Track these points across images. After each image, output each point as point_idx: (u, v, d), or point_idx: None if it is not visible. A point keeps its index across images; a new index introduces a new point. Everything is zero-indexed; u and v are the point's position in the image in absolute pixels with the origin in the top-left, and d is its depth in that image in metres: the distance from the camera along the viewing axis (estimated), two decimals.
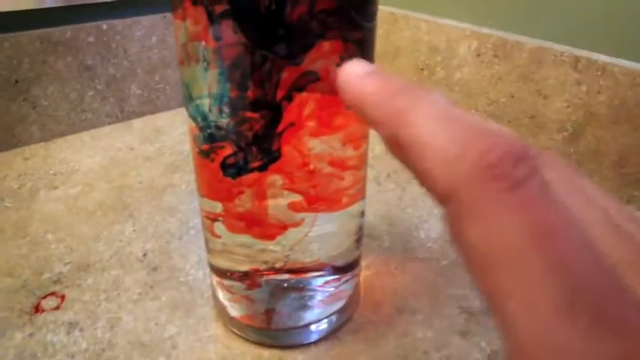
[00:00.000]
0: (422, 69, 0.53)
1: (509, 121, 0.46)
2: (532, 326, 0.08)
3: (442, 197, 0.10)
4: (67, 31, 0.46)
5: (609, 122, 0.38)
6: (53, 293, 0.30)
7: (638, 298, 0.08)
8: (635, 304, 0.08)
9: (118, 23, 0.48)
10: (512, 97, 0.45)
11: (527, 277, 0.08)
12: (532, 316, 0.08)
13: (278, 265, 0.24)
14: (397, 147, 0.11)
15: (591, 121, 0.39)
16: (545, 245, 0.08)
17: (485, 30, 0.46)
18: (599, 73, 0.38)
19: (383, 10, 0.56)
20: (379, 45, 0.58)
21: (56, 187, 0.41)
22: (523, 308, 0.08)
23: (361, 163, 0.24)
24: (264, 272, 0.24)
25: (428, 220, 0.37)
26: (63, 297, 0.30)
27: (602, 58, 0.38)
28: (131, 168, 0.44)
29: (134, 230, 0.36)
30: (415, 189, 0.41)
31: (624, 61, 0.37)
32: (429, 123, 0.10)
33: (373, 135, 0.51)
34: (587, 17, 0.39)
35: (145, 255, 0.33)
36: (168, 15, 0.51)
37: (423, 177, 0.10)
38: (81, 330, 0.27)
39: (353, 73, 0.13)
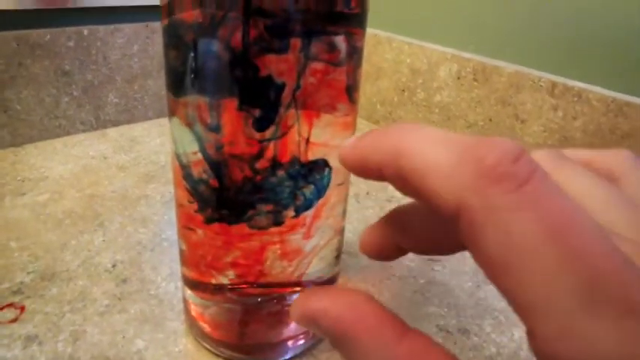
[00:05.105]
0: (403, 90, 0.54)
1: None
2: (557, 323, 0.08)
3: (453, 212, 0.10)
4: (46, 33, 0.45)
5: (584, 147, 0.39)
6: (11, 304, 0.28)
7: None
8: None
9: (100, 29, 0.48)
10: (490, 120, 0.46)
11: (546, 274, 0.08)
12: (555, 313, 0.08)
13: (253, 280, 0.23)
14: (403, 181, 0.11)
15: (567, 145, 0.40)
16: (558, 239, 0.08)
17: (465, 54, 0.47)
18: (575, 99, 0.39)
19: (367, 32, 0.57)
20: None
21: (23, 194, 0.39)
22: (545, 306, 0.08)
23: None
24: (240, 286, 0.24)
25: None
26: (22, 308, 0.28)
27: (578, 84, 0.39)
28: (104, 177, 0.43)
29: (104, 240, 0.34)
30: (394, 207, 0.41)
31: (599, 88, 0.38)
32: (423, 147, 0.11)
33: None
34: (564, 45, 0.41)
35: (114, 266, 0.32)
36: (151, 24, 0.51)
37: (431, 199, 0.10)
38: (40, 344, 0.26)
39: (347, 143, 0.13)
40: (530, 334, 0.09)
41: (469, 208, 0.09)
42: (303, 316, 0.12)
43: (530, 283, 0.08)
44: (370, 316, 0.11)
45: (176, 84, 0.21)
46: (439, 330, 0.28)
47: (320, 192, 0.22)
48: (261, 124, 0.19)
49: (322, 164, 0.21)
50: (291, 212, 0.21)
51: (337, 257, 0.26)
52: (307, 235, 0.22)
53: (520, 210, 0.09)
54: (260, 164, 0.20)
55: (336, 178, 0.22)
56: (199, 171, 0.21)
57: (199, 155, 0.21)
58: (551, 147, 0.41)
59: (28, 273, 0.31)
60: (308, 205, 0.22)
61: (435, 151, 0.10)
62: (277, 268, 0.23)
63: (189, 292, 0.26)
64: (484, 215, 0.09)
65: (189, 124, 0.20)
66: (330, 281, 0.26)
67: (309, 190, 0.21)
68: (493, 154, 0.09)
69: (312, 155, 0.21)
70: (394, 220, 0.15)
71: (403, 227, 0.15)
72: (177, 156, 0.22)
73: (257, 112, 0.19)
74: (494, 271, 0.09)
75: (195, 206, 0.22)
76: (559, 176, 0.11)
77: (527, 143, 0.43)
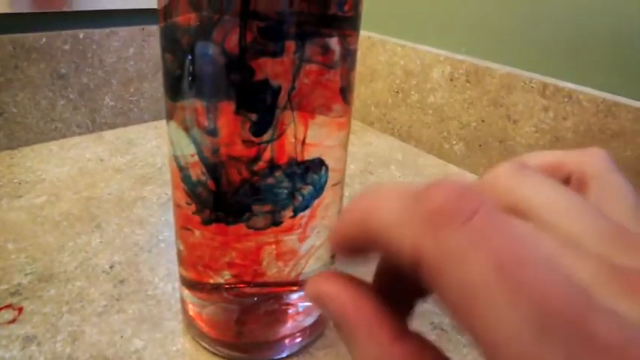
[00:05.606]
0: (397, 92, 0.54)
1: (480, 145, 0.47)
2: (513, 358, 0.08)
3: (414, 262, 0.10)
4: (42, 37, 0.45)
5: (575, 147, 0.40)
6: (9, 305, 0.29)
7: (612, 310, 0.08)
8: (612, 318, 0.08)
9: (96, 32, 0.48)
10: (482, 121, 0.46)
11: (499, 311, 0.08)
12: (511, 348, 0.08)
13: (250, 280, 0.23)
14: (376, 244, 0.11)
15: (558, 145, 0.41)
16: (507, 275, 0.08)
17: (458, 56, 0.48)
18: (565, 99, 0.39)
19: (360, 34, 0.57)
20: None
21: (20, 196, 0.39)
22: (501, 343, 0.08)
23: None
24: (237, 286, 0.24)
25: None
26: (20, 309, 0.28)
27: (569, 85, 0.40)
28: (100, 179, 0.43)
29: (101, 242, 0.35)
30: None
31: (589, 89, 0.39)
32: (382, 207, 0.11)
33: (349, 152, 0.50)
34: (554, 46, 0.42)
35: (111, 267, 0.32)
36: (147, 27, 0.51)
37: (396, 254, 0.10)
38: (38, 344, 0.26)
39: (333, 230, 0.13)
40: None
41: (423, 254, 0.09)
42: (314, 295, 0.12)
43: (486, 321, 0.08)
44: (370, 314, 0.11)
45: (173, 88, 0.21)
46: (434, 328, 0.29)
47: (318, 191, 0.22)
48: (258, 129, 0.20)
49: (319, 163, 0.22)
50: (289, 212, 0.22)
51: (333, 257, 0.27)
52: (303, 236, 0.23)
53: (469, 248, 0.09)
54: (257, 166, 0.20)
55: (331, 178, 0.22)
56: (197, 173, 0.21)
57: (197, 158, 0.21)
58: (543, 147, 0.42)
59: (26, 274, 0.31)
60: (306, 205, 0.22)
61: (391, 207, 0.10)
62: (274, 268, 0.23)
63: (186, 292, 0.26)
64: (437, 259, 0.09)
65: (187, 128, 0.21)
66: None
67: (307, 190, 0.22)
68: (438, 196, 0.09)
69: (308, 156, 0.21)
70: (384, 279, 0.15)
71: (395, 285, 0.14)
72: (175, 158, 0.22)
73: (254, 117, 0.19)
74: (455, 312, 0.09)
75: (193, 207, 0.22)
76: (521, 191, 0.11)
77: (520, 144, 0.44)
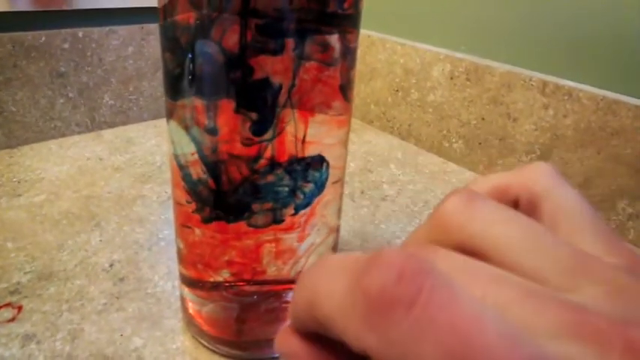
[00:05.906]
0: (397, 90, 0.54)
1: (479, 143, 0.47)
2: None
3: (363, 353, 0.09)
4: (41, 35, 0.45)
5: (575, 145, 0.40)
6: (9, 304, 0.29)
7: None
8: None
9: (95, 31, 0.48)
10: (482, 119, 0.46)
11: None
12: None
13: (250, 278, 0.23)
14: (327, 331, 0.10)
15: (558, 143, 0.41)
16: None
17: (458, 54, 0.48)
18: (565, 97, 0.39)
19: (360, 33, 0.57)
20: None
21: (19, 195, 0.39)
22: None
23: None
24: (237, 284, 0.24)
25: (401, 236, 0.38)
26: (20, 308, 0.28)
27: (569, 83, 0.40)
28: (100, 178, 0.43)
29: (101, 240, 0.35)
30: (389, 205, 0.42)
31: (589, 87, 0.39)
32: (324, 290, 0.10)
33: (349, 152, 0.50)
34: (554, 44, 0.41)
35: (111, 265, 0.32)
36: (146, 25, 0.51)
37: (348, 343, 0.10)
38: (38, 342, 0.26)
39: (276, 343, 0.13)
40: None
41: (370, 349, 0.09)
42: (281, 353, 0.12)
43: None
44: None
45: (173, 86, 0.21)
46: None
47: (319, 189, 0.22)
48: (259, 128, 0.20)
49: (319, 160, 0.22)
50: (290, 210, 0.22)
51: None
52: (303, 234, 0.23)
53: (414, 343, 0.08)
54: (258, 164, 0.20)
55: (331, 175, 0.22)
56: (197, 171, 0.21)
57: (197, 156, 0.21)
58: (543, 145, 0.42)
59: (25, 273, 0.31)
60: (307, 203, 0.22)
61: (333, 291, 0.10)
62: (274, 266, 0.23)
63: (186, 290, 0.26)
64: (385, 354, 0.08)
65: (187, 127, 0.21)
66: None
67: (308, 188, 0.22)
68: (376, 280, 0.09)
69: (308, 154, 0.21)
70: None
71: None
72: (175, 157, 0.22)
73: (254, 115, 0.19)
74: None
75: (193, 206, 0.22)
76: (472, 227, 0.11)
77: (519, 142, 0.44)
